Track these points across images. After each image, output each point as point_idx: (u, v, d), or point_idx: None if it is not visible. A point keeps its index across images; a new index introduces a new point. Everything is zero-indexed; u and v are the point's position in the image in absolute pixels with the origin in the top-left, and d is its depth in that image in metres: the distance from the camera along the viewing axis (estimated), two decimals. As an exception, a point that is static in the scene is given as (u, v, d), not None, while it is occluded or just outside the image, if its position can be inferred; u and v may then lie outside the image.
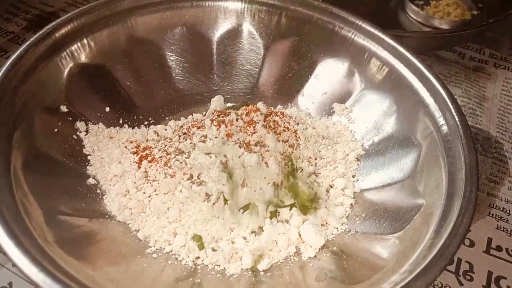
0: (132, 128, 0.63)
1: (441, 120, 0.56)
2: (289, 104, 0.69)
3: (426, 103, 0.58)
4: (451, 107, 0.55)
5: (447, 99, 0.56)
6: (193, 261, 0.51)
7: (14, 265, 0.40)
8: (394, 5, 1.00)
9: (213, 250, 0.51)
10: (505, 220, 0.64)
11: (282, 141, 0.58)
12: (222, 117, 0.59)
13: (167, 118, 0.66)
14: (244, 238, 0.52)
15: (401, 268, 0.44)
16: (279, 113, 0.62)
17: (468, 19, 0.95)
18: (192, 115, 0.66)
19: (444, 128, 0.55)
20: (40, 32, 0.57)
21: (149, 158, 0.57)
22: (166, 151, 0.57)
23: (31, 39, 0.56)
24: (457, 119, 0.54)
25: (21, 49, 0.54)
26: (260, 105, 0.60)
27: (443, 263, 0.42)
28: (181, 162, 0.54)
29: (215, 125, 0.56)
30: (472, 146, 0.51)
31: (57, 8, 0.88)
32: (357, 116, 0.66)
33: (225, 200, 0.52)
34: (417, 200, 0.52)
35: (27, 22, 0.84)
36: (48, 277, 0.39)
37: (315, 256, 0.52)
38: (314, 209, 0.55)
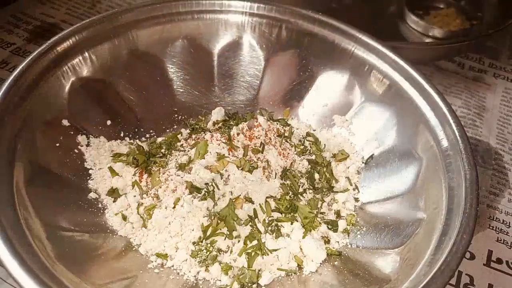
0: (134, 141, 0.63)
1: (441, 134, 0.56)
2: (289, 116, 0.70)
3: (426, 116, 0.59)
4: (451, 121, 0.56)
5: (447, 113, 0.57)
6: (195, 276, 0.51)
7: (15, 281, 0.40)
8: (394, 15, 1.00)
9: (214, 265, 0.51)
10: (505, 233, 0.64)
11: (283, 156, 0.58)
12: (224, 130, 0.59)
13: (168, 130, 0.66)
14: (247, 254, 0.52)
15: (402, 284, 0.44)
16: (280, 127, 0.62)
17: (467, 29, 0.95)
18: (192, 127, 0.66)
19: (444, 143, 0.55)
20: (42, 47, 0.57)
21: (149, 172, 0.57)
22: (167, 165, 0.57)
23: (33, 54, 0.56)
24: (457, 134, 0.54)
25: (23, 64, 0.54)
26: (261, 120, 0.61)
27: (445, 279, 0.42)
28: (182, 177, 0.54)
29: (217, 140, 0.56)
30: (472, 161, 0.52)
31: (58, 19, 0.89)
32: (357, 129, 0.66)
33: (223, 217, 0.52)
34: (417, 214, 0.53)
35: (28, 33, 0.85)
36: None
37: (316, 270, 0.53)
38: (315, 223, 0.55)
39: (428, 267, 0.44)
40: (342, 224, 0.56)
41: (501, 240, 0.63)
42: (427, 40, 0.94)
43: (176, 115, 0.68)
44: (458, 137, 0.54)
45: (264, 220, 0.54)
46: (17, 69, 0.54)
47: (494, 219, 0.66)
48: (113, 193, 0.56)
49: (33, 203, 0.49)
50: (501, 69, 0.94)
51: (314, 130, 0.68)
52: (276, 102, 0.71)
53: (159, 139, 0.64)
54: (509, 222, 0.66)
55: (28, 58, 0.56)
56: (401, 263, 0.48)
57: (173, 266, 0.51)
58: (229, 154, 0.56)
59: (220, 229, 0.52)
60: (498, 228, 0.65)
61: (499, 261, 0.61)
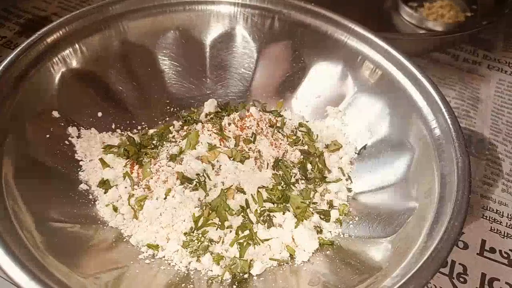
0: (125, 133, 0.63)
1: (433, 123, 0.56)
2: (283, 107, 0.69)
3: (419, 106, 0.58)
4: (444, 110, 0.55)
5: (439, 102, 0.56)
6: (186, 267, 0.51)
7: (4, 273, 0.40)
8: (388, 7, 1.00)
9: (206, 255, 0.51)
10: (498, 222, 0.64)
11: (275, 146, 0.58)
12: (215, 121, 0.59)
13: (160, 122, 0.66)
14: (239, 244, 0.52)
15: (393, 272, 0.44)
16: (272, 118, 0.62)
17: (461, 21, 0.95)
18: (184, 119, 0.65)
19: (437, 132, 0.55)
20: (32, 38, 0.57)
21: (141, 163, 0.57)
22: (158, 156, 0.57)
23: (22, 45, 0.56)
24: (449, 122, 0.54)
25: (12, 56, 0.54)
26: (253, 110, 0.60)
27: (435, 266, 0.42)
28: (173, 168, 0.54)
29: (208, 130, 0.56)
30: (465, 149, 0.51)
31: (49, 13, 0.88)
32: (350, 119, 0.66)
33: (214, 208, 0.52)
34: (409, 203, 0.52)
35: (19, 26, 0.84)
36: (39, 285, 0.39)
37: (308, 260, 0.52)
38: (308, 213, 0.55)
39: (420, 254, 0.44)
40: (334, 214, 0.56)
41: (494, 230, 0.63)
42: (421, 32, 0.94)
43: (168, 107, 0.67)
44: (451, 126, 0.54)
45: (256, 210, 0.54)
46: (5, 60, 0.53)
47: (488, 209, 0.66)
48: (104, 184, 0.56)
49: (22, 194, 0.48)
50: (495, 61, 0.93)
51: (307, 121, 0.68)
52: (269, 94, 0.71)
53: (151, 131, 0.63)
54: (503, 212, 0.66)
55: (17, 50, 0.55)
56: (392, 251, 0.48)
57: (164, 256, 0.51)
58: (220, 144, 0.56)
59: (212, 220, 0.52)
60: (492, 217, 0.65)
61: (492, 250, 0.61)
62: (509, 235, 0.63)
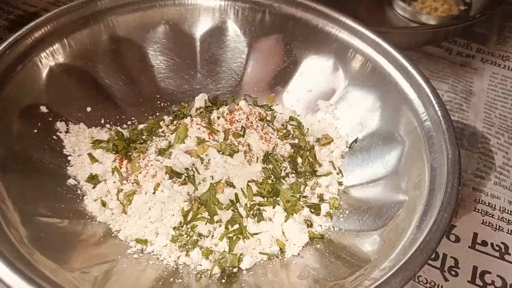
0: (114, 128, 0.62)
1: (424, 116, 0.55)
2: (274, 102, 0.69)
3: (409, 98, 0.58)
4: (434, 102, 0.55)
5: (430, 94, 0.56)
6: (175, 261, 0.50)
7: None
8: (381, 1, 1.00)
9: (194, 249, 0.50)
10: (490, 215, 0.64)
11: (265, 140, 0.57)
12: (204, 114, 0.58)
13: (150, 117, 0.66)
14: (228, 238, 0.52)
15: (382, 264, 0.43)
16: (262, 112, 0.61)
17: (455, 15, 0.95)
18: (175, 114, 0.65)
19: (427, 124, 0.55)
20: (19, 33, 0.56)
21: (129, 158, 0.56)
22: (147, 150, 0.56)
23: (9, 40, 0.55)
24: (440, 114, 0.54)
25: (-2, 50, 0.53)
26: (242, 103, 0.60)
27: (424, 258, 0.42)
28: (161, 162, 0.53)
29: (197, 124, 0.56)
30: (455, 141, 0.51)
31: (39, 8, 0.87)
32: (341, 113, 0.66)
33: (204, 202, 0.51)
34: (400, 196, 0.52)
35: (9, 22, 0.83)
36: (24, 280, 0.39)
37: (298, 254, 0.52)
38: (298, 207, 0.55)
39: (408, 246, 0.44)
40: (325, 207, 0.56)
41: (486, 223, 0.63)
42: (414, 25, 0.94)
43: (158, 102, 0.67)
44: (441, 118, 0.53)
45: (246, 204, 0.54)
46: (-9, 55, 0.53)
47: (480, 202, 0.66)
48: (93, 179, 0.55)
49: (8, 189, 0.48)
50: (489, 54, 0.93)
51: (299, 115, 0.67)
52: (260, 88, 0.70)
53: (141, 126, 0.63)
54: (495, 205, 0.65)
55: (4, 44, 0.55)
56: (382, 243, 0.48)
57: (153, 251, 0.51)
58: (209, 138, 0.55)
59: (201, 214, 0.52)
60: (484, 210, 0.65)
61: (484, 243, 0.61)
62: (501, 228, 0.63)
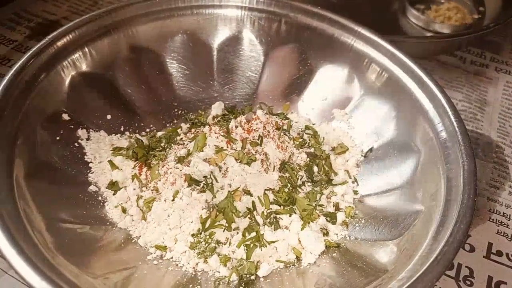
0: (134, 135, 0.64)
1: (440, 126, 0.56)
2: (289, 110, 0.70)
3: (425, 109, 0.59)
4: (450, 113, 0.56)
5: (445, 105, 0.57)
6: (193, 268, 0.51)
7: (16, 272, 0.41)
8: (395, 10, 1.00)
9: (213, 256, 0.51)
10: (505, 225, 0.64)
11: (281, 148, 0.58)
12: (222, 123, 0.59)
13: (168, 125, 0.67)
14: (245, 245, 0.53)
15: (399, 274, 0.44)
16: (278, 121, 0.62)
17: (469, 23, 0.95)
18: (192, 122, 0.66)
19: (443, 134, 0.55)
20: (42, 42, 0.58)
21: (149, 165, 0.57)
22: (167, 158, 0.57)
23: (33, 49, 0.57)
24: (455, 125, 0.54)
25: (23, 59, 0.55)
26: (259, 113, 0.61)
27: (441, 269, 0.42)
28: (181, 170, 0.54)
29: (215, 133, 0.57)
30: (471, 152, 0.52)
31: (59, 16, 0.89)
32: (356, 122, 0.66)
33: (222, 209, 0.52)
34: (415, 206, 0.53)
35: (30, 30, 0.85)
36: (49, 284, 0.40)
37: (315, 262, 0.53)
38: (314, 215, 0.56)
39: (425, 257, 0.44)
40: (340, 216, 0.56)
41: (501, 233, 0.63)
42: (428, 34, 0.94)
43: (176, 110, 0.68)
44: (457, 129, 0.54)
45: (263, 212, 0.55)
46: (17, 64, 0.55)
47: (495, 212, 0.66)
48: (113, 186, 0.56)
49: (33, 196, 0.49)
50: (503, 63, 0.93)
51: (314, 124, 0.68)
52: (275, 97, 0.71)
53: (159, 133, 0.64)
54: (510, 215, 0.65)
55: (28, 53, 0.56)
56: (398, 254, 0.48)
57: (172, 258, 0.52)
58: (227, 147, 0.56)
59: (219, 221, 0.53)
60: (499, 220, 0.65)
61: (499, 253, 0.61)
62: (516, 238, 0.63)
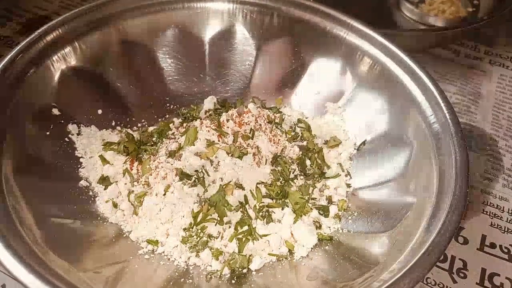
0: (125, 130, 0.63)
1: (432, 118, 0.56)
2: (282, 104, 0.69)
3: (417, 101, 0.58)
4: (442, 105, 0.55)
5: (438, 97, 0.56)
6: (185, 262, 0.51)
7: (3, 266, 0.40)
8: (389, 4, 1.00)
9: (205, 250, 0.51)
10: (499, 217, 0.64)
11: (273, 142, 0.58)
12: (213, 117, 0.59)
13: (160, 119, 0.66)
14: (238, 239, 0.52)
15: (390, 266, 0.44)
16: (270, 114, 0.62)
17: (463, 16, 0.95)
18: (184, 117, 0.66)
19: (436, 126, 0.55)
20: (31, 36, 0.57)
21: (140, 160, 0.57)
22: (158, 152, 0.57)
23: (22, 44, 0.56)
24: (448, 117, 0.54)
25: (11, 54, 0.55)
26: (251, 106, 0.61)
27: (432, 260, 0.42)
28: (172, 164, 0.54)
29: (206, 127, 0.56)
30: (463, 143, 0.51)
31: (51, 12, 0.89)
32: (350, 115, 0.66)
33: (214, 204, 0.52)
34: (408, 198, 0.52)
35: (21, 26, 0.85)
36: (38, 279, 0.40)
37: (307, 255, 0.53)
38: (306, 208, 0.55)
39: (417, 249, 0.44)
40: (333, 209, 0.56)
41: (494, 225, 0.63)
42: (422, 27, 0.94)
43: (168, 104, 0.68)
44: (449, 120, 0.54)
45: (255, 206, 0.54)
46: (5, 58, 0.54)
47: (488, 204, 0.66)
48: (104, 181, 0.56)
49: (22, 191, 0.49)
50: (497, 56, 0.93)
51: (307, 118, 0.68)
52: (268, 91, 0.71)
53: (151, 128, 0.64)
54: (503, 207, 0.65)
55: (17, 48, 0.56)
56: (390, 245, 0.48)
57: (163, 252, 0.52)
58: (218, 140, 0.56)
59: (211, 215, 0.52)
60: (492, 213, 0.65)
61: (492, 245, 0.61)
62: (510, 230, 0.63)
